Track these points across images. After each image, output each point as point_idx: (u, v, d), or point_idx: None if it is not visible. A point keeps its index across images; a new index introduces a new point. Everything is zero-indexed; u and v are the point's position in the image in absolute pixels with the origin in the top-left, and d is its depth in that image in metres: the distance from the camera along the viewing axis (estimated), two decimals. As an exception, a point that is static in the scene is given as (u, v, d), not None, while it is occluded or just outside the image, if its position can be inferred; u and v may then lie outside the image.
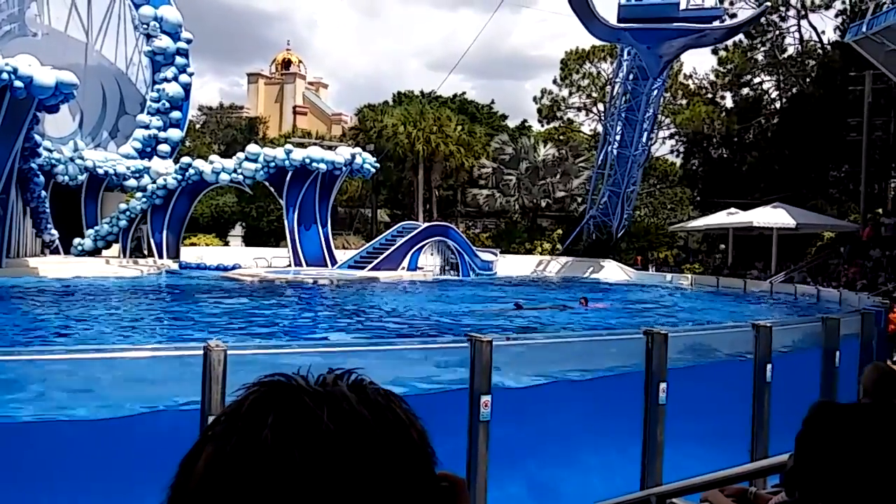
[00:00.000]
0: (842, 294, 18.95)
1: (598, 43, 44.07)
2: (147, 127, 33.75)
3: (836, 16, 39.03)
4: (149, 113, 34.06)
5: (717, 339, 8.09)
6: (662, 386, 5.78)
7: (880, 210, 33.00)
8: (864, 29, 26.02)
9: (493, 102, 56.13)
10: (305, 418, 0.53)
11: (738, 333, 7.55)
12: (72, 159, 30.66)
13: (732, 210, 33.62)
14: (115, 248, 31.65)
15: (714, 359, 7.73)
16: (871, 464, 0.89)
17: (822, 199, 37.87)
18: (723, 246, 37.83)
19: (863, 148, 32.02)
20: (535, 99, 51.58)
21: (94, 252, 30.98)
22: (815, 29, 41.38)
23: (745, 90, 45.51)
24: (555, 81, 50.46)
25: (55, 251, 30.00)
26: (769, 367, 6.75)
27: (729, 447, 6.54)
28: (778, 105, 44.04)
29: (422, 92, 53.20)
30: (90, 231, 31.30)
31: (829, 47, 40.16)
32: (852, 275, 26.52)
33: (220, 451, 0.53)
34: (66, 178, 30.52)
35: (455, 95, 54.06)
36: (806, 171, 37.65)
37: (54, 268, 25.97)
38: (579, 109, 51.37)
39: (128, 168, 31.98)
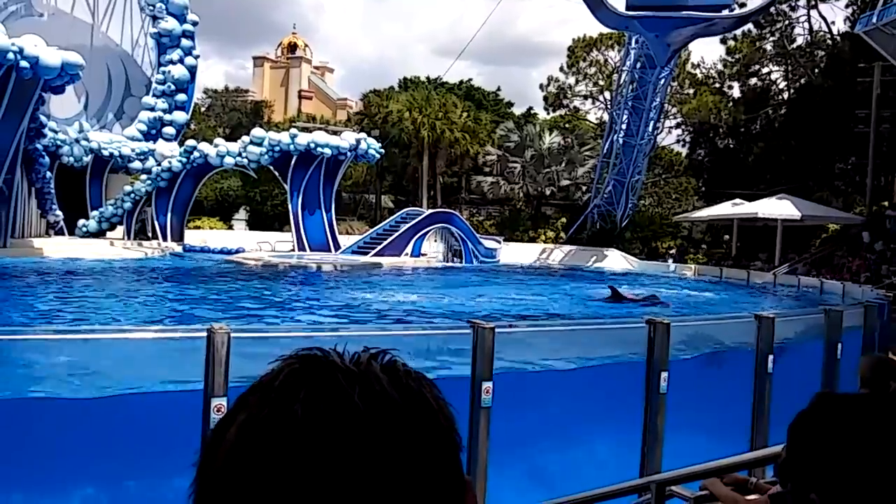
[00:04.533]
0: (845, 286, 18.92)
1: (605, 30, 43.74)
2: (152, 109, 33.69)
3: (847, 6, 38.68)
4: (154, 95, 34.00)
5: (720, 329, 8.10)
6: (664, 375, 5.80)
7: (886, 203, 32.84)
8: (874, 20, 25.80)
9: (499, 89, 55.93)
10: (336, 396, 0.54)
11: (740, 324, 7.56)
12: (77, 140, 30.67)
13: (737, 201, 33.49)
14: (120, 229, 31.73)
15: (717, 349, 7.75)
16: (865, 453, 0.89)
17: (827, 191, 37.70)
18: (727, 236, 37.74)
19: (870, 140, 31.84)
20: (541, 86, 51.36)
21: (99, 234, 31.05)
22: (824, 19, 41.11)
23: (753, 80, 45.20)
24: (561, 69, 50.22)
25: (59, 232, 30.08)
26: (771, 357, 6.77)
27: (730, 437, 6.57)
28: (786, 96, 43.77)
29: (428, 78, 52.95)
30: (94, 213, 31.35)
31: (838, 38, 39.85)
32: (856, 267, 26.46)
33: (251, 420, 0.54)
34: (71, 159, 30.54)
35: (461, 82, 53.83)
36: (812, 162, 37.45)
37: (58, 248, 26.05)
38: (586, 97, 51.10)
39: (133, 150, 31.98)
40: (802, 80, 42.28)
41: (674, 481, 3.47)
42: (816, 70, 40.97)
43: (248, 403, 0.56)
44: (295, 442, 0.52)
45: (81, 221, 30.93)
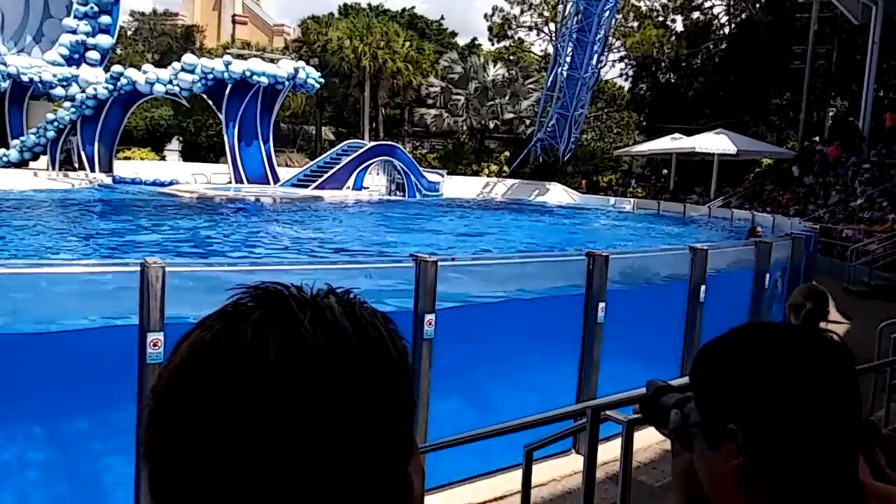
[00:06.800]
0: (775, 219, 19.64)
1: (551, -41, 42.93)
2: (74, 32, 31.60)
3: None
4: (76, 17, 31.82)
5: (656, 261, 8.31)
6: (601, 305, 5.95)
7: (816, 138, 33.91)
8: (814, -45, 26.01)
9: (442, 18, 54.52)
10: (286, 319, 0.56)
11: (675, 256, 7.77)
12: (-8, 64, 28.70)
13: (676, 135, 34.05)
14: (43, 160, 30.20)
15: (653, 280, 7.97)
16: (787, 380, 0.89)
17: (762, 126, 38.66)
18: (665, 171, 38.50)
19: (805, 76, 32.57)
20: (485, 16, 50.43)
21: (21, 164, 29.52)
22: (767, -47, 41.20)
23: (696, 14, 45.37)
24: (506, -2, 49.24)
25: (-22, 163, 28.46)
26: (703, 287, 7.01)
27: (662, 364, 6.84)
28: (727, 31, 44.14)
29: (369, 5, 51.18)
30: (15, 142, 29.69)
31: (779, -27, 40.10)
32: (786, 201, 27.46)
33: (201, 337, 0.57)
34: (-13, 84, 28.64)
35: (404, 10, 52.21)
36: (749, 97, 38.20)
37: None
38: (530, 29, 50.47)
39: (54, 75, 30.11)
40: (744, 15, 42.65)
41: (608, 406, 3.59)
42: (757, 5, 41.33)
43: (203, 324, 0.58)
44: (239, 360, 0.54)
45: (1, 151, 29.27)
